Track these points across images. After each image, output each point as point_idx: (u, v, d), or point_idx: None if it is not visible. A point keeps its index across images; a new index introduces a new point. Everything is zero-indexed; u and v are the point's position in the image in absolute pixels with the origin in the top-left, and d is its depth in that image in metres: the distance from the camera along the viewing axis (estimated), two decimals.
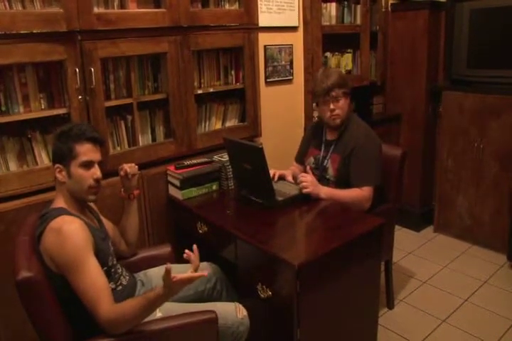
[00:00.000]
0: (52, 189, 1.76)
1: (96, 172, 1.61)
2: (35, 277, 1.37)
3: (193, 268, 1.45)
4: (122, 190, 1.94)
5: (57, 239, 1.44)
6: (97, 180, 1.61)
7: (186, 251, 1.50)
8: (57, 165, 1.58)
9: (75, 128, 1.58)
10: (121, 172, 1.90)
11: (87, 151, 1.57)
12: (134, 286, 1.79)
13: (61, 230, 1.45)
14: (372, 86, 3.56)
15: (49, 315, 1.41)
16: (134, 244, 1.98)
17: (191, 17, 2.33)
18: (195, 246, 1.54)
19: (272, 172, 2.29)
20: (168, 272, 1.35)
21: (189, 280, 1.41)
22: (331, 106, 2.27)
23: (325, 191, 2.19)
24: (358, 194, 2.19)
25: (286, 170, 2.47)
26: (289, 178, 2.37)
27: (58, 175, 1.58)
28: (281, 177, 2.39)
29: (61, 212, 1.54)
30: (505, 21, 2.96)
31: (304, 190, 2.15)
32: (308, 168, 2.40)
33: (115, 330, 1.42)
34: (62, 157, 1.57)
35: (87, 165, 1.58)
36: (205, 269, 2.00)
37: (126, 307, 1.42)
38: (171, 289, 1.39)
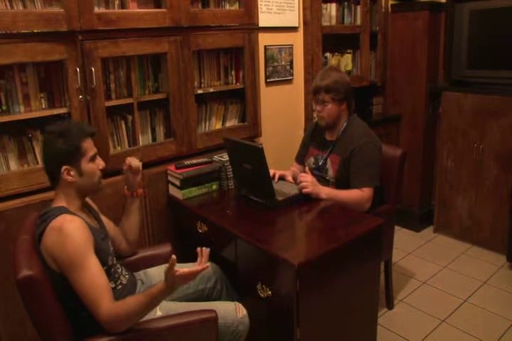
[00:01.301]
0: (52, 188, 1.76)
1: (100, 162, 1.66)
2: (35, 275, 1.37)
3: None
4: (126, 187, 1.94)
5: (58, 238, 1.44)
6: (102, 170, 1.67)
7: (199, 249, 1.51)
8: (65, 167, 1.56)
9: (71, 127, 1.58)
10: (125, 167, 1.91)
11: (90, 146, 1.61)
12: (134, 285, 1.79)
13: (62, 229, 1.45)
14: (372, 86, 3.56)
15: (49, 314, 1.41)
16: (135, 243, 1.98)
17: (191, 17, 2.34)
18: (207, 251, 1.51)
19: (272, 172, 2.30)
20: (172, 265, 1.35)
21: (191, 275, 1.41)
22: (317, 108, 2.30)
23: (325, 191, 2.19)
24: (358, 195, 2.20)
25: (287, 171, 2.47)
26: (289, 178, 2.37)
27: (67, 177, 1.57)
28: (282, 178, 2.39)
29: (62, 210, 1.54)
30: (504, 22, 2.97)
31: (304, 190, 2.16)
32: (307, 168, 2.41)
33: (116, 328, 1.42)
34: (70, 157, 1.56)
35: (94, 158, 1.63)
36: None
37: (126, 304, 1.42)
38: (173, 283, 1.39)
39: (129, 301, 1.43)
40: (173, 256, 1.36)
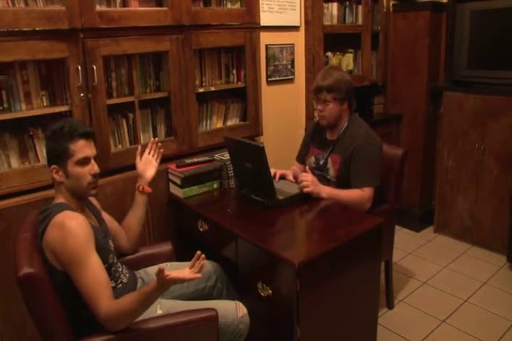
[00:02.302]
0: (53, 186, 1.76)
1: (93, 167, 1.59)
2: (36, 273, 1.37)
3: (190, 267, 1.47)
4: (138, 180, 2.00)
5: (60, 234, 1.45)
6: (94, 175, 1.60)
7: (199, 252, 1.49)
8: (53, 166, 1.56)
9: (65, 126, 1.55)
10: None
11: (81, 148, 1.55)
12: (135, 284, 1.79)
13: (64, 225, 1.45)
14: (373, 86, 3.56)
15: (50, 312, 1.41)
16: (135, 241, 1.99)
17: (193, 16, 2.33)
18: (202, 262, 1.49)
19: (272, 171, 2.29)
20: (161, 271, 1.36)
21: (180, 280, 1.42)
22: (319, 107, 2.30)
23: (326, 190, 2.19)
24: (359, 194, 2.20)
25: (287, 170, 2.47)
26: (290, 177, 2.37)
27: (55, 176, 1.57)
28: (282, 177, 2.39)
29: (63, 207, 1.54)
30: (505, 22, 2.97)
31: (305, 190, 2.15)
32: (307, 167, 2.41)
33: (114, 326, 1.42)
34: (58, 157, 1.55)
35: (84, 162, 1.57)
36: (206, 267, 2.00)
37: (124, 302, 1.42)
38: (163, 284, 1.40)
39: (125, 299, 1.43)
40: (162, 265, 1.40)
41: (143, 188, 1.99)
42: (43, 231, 1.49)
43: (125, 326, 1.44)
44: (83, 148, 1.56)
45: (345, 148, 2.28)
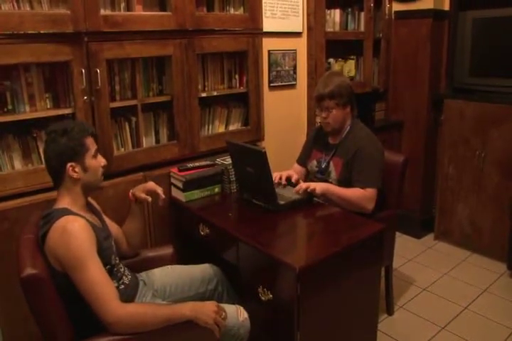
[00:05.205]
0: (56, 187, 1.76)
1: (102, 159, 1.69)
2: (39, 274, 1.37)
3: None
4: (131, 192, 1.92)
5: (62, 237, 1.44)
6: (104, 167, 1.70)
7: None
8: (69, 164, 1.57)
9: (75, 126, 1.60)
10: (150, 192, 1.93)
11: (92, 143, 1.64)
12: (137, 286, 1.78)
13: (65, 229, 1.45)
14: (374, 92, 3.57)
15: (52, 312, 1.41)
16: (137, 247, 1.98)
17: (196, 21, 2.35)
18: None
19: (277, 175, 2.30)
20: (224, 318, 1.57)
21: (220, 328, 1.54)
22: (323, 115, 2.31)
23: (324, 185, 2.21)
24: (360, 192, 2.20)
25: (290, 171, 2.47)
26: (295, 177, 2.35)
27: (73, 174, 1.58)
28: (289, 181, 2.36)
29: (65, 212, 1.54)
30: (507, 31, 2.98)
31: (310, 189, 2.15)
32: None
33: (123, 329, 1.41)
34: (75, 153, 1.57)
35: (96, 155, 1.65)
36: (207, 271, 2.01)
37: (140, 308, 1.44)
38: (199, 317, 1.50)
39: (142, 305, 1.44)
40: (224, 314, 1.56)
41: (135, 198, 1.91)
42: (44, 235, 1.49)
43: (132, 332, 1.42)
44: (93, 143, 1.65)
45: (348, 151, 2.29)
